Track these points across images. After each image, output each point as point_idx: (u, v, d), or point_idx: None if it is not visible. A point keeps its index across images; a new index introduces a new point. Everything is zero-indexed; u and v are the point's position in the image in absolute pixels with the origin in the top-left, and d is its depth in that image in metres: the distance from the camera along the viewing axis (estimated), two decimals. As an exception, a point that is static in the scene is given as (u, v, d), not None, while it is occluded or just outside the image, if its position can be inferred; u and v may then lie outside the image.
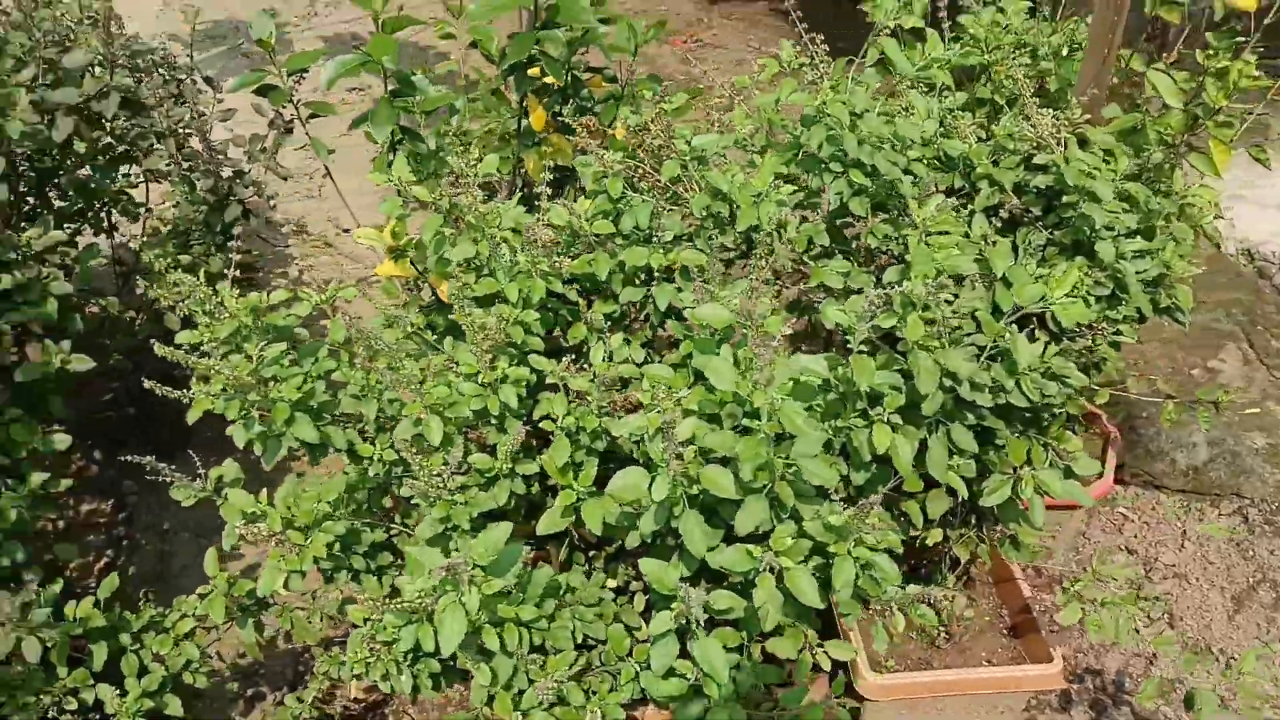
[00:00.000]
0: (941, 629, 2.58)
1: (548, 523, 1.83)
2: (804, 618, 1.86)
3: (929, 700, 2.48)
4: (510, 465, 1.81)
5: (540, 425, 1.82)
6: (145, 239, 2.76)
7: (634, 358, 2.00)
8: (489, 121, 2.55)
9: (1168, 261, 2.03)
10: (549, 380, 1.81)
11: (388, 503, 2.07)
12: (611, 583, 2.14)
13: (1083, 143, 2.06)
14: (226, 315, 1.64)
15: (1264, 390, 3.77)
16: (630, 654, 1.85)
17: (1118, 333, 2.05)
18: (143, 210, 2.72)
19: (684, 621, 1.71)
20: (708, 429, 1.62)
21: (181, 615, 2.00)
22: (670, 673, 1.75)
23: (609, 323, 2.01)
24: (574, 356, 1.96)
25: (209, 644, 2.12)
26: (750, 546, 1.60)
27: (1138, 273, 1.98)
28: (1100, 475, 2.95)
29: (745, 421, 1.58)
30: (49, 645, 1.80)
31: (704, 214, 1.92)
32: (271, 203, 2.53)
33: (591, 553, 2.28)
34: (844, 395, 1.74)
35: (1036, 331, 2.02)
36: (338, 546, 1.93)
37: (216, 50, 5.69)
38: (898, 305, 1.68)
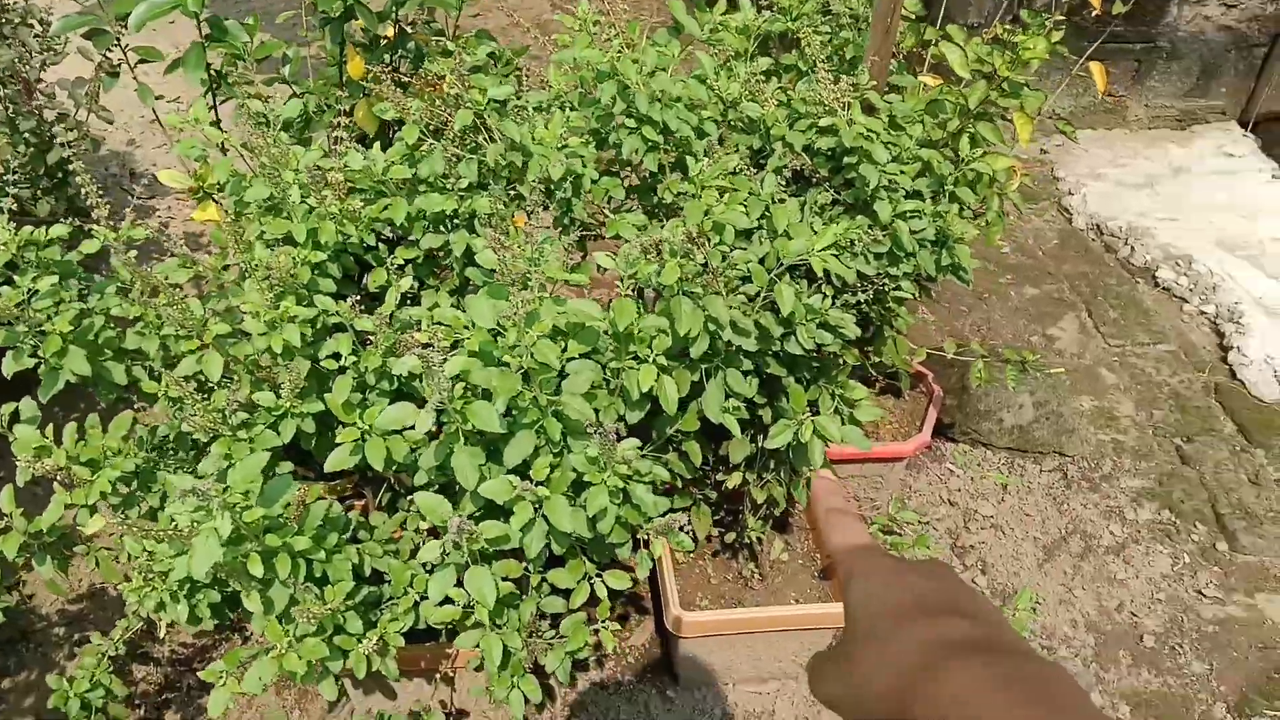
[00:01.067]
0: (755, 571, 2.70)
1: (334, 460, 1.88)
2: (600, 550, 1.95)
3: (737, 637, 2.60)
4: (296, 403, 1.86)
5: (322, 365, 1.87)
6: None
7: (440, 303, 2.06)
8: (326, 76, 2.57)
9: (946, 223, 2.15)
10: (335, 321, 1.86)
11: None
12: (424, 524, 2.21)
13: (870, 109, 2.16)
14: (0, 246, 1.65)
15: (1096, 357, 3.98)
16: (411, 587, 1.91)
17: (899, 288, 2.17)
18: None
19: (459, 553, 1.79)
20: (477, 365, 1.69)
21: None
22: (447, 601, 1.83)
23: (408, 267, 2.06)
24: (377, 302, 2.01)
25: (14, 582, 2.13)
26: (512, 477, 1.68)
27: (913, 232, 2.09)
28: (920, 430, 3.11)
29: (506, 358, 1.65)
30: None
31: (499, 163, 1.98)
32: (99, 147, 2.51)
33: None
34: (618, 337, 1.82)
35: (822, 286, 2.13)
36: (133, 484, 1.96)
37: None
38: (665, 253, 1.76)
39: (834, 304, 2.10)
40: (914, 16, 2.45)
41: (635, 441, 1.72)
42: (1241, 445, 3.57)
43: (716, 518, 2.73)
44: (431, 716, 2.22)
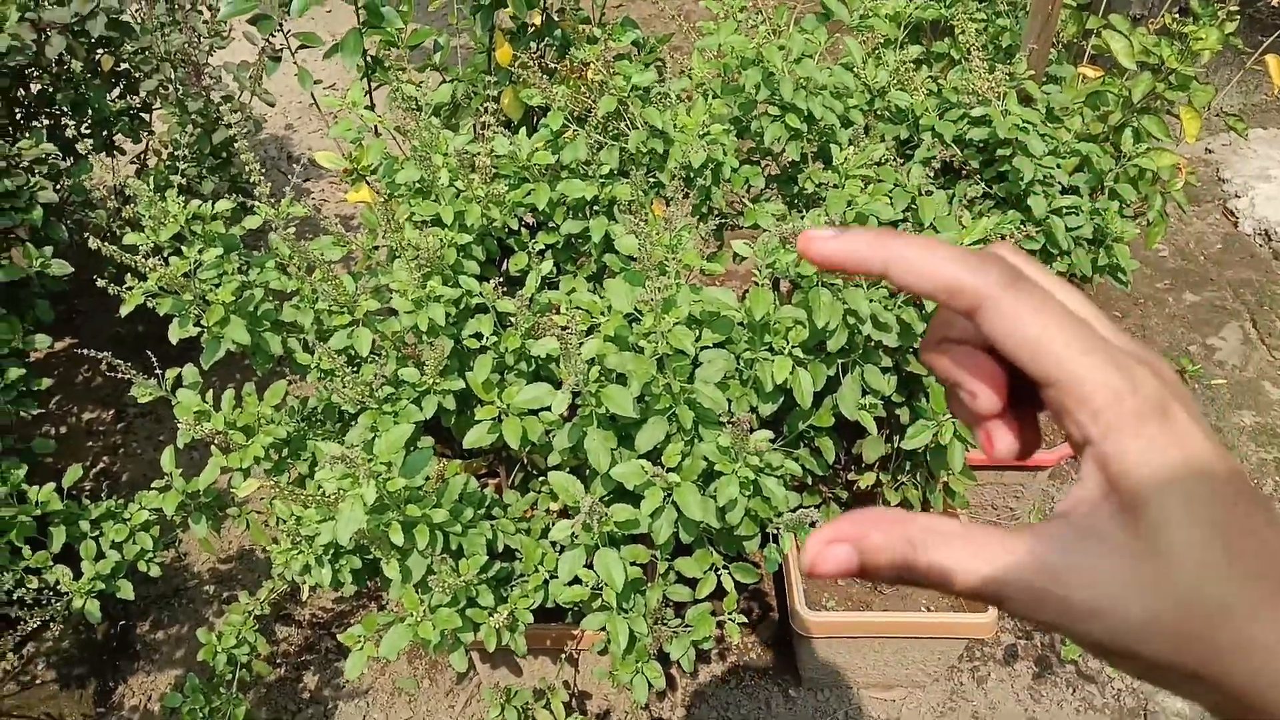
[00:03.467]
0: (884, 576, 2.63)
1: (473, 437, 1.93)
2: (728, 542, 1.94)
3: (864, 641, 2.55)
4: (438, 380, 1.91)
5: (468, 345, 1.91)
6: (141, 162, 2.90)
7: (578, 289, 2.09)
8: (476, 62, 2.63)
9: (1105, 221, 2.04)
10: (477, 302, 1.90)
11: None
12: (554, 505, 2.24)
13: (1026, 99, 2.07)
14: (170, 219, 1.75)
15: (1260, 370, 3.73)
16: (541, 565, 1.94)
17: (1050, 287, 2.07)
18: (145, 133, 2.86)
19: (589, 534, 1.81)
20: (613, 349, 1.70)
21: (138, 508, 2.14)
22: (575, 582, 1.85)
23: (549, 252, 2.09)
24: (518, 285, 2.05)
25: (171, 540, 2.26)
26: (643, 462, 1.68)
27: (1069, 229, 2.00)
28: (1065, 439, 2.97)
29: (642, 343, 1.66)
30: (9, 524, 1.96)
31: (640, 150, 1.98)
32: (260, 129, 2.64)
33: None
34: (754, 327, 1.80)
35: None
36: (284, 450, 2.06)
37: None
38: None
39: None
40: (1075, 4, 2.34)
41: (768, 433, 1.69)
42: None
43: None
44: (555, 695, 2.25)
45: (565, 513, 2.26)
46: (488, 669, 2.56)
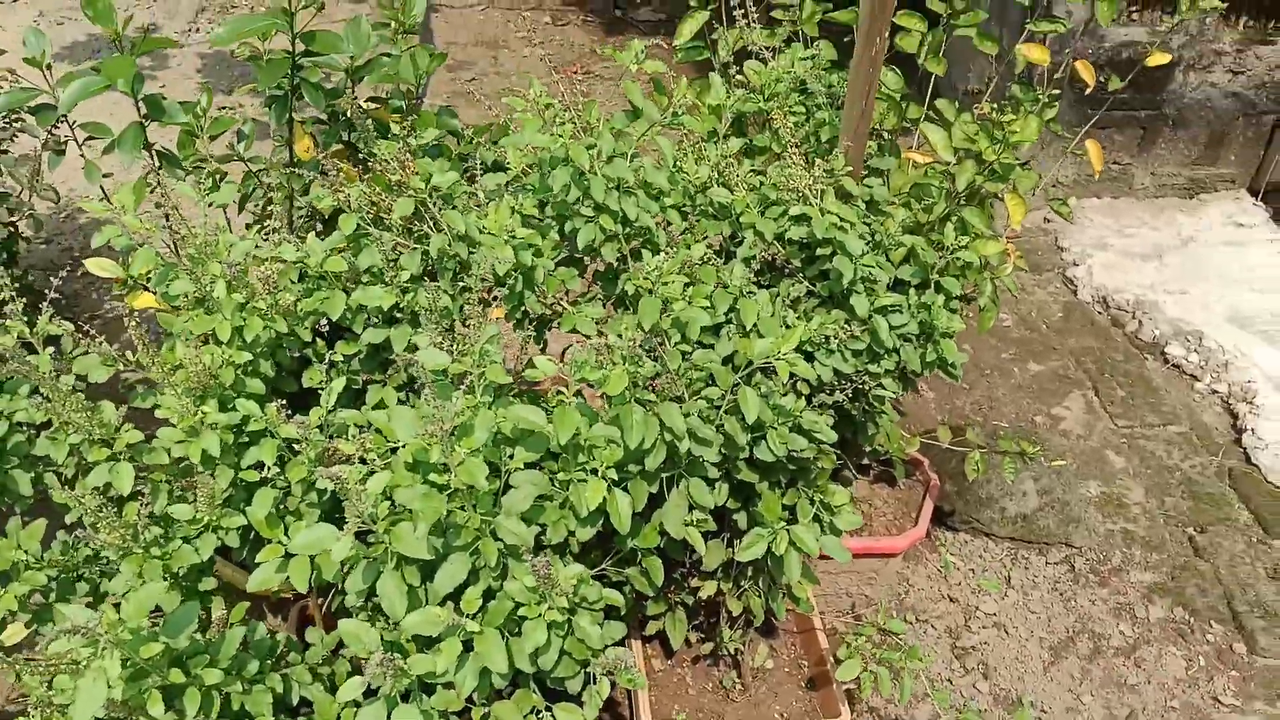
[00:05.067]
0: (737, 681, 2.51)
1: (258, 579, 1.72)
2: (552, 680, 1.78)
3: (715, 758, 2.40)
4: (216, 517, 1.70)
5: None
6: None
7: (387, 401, 1.92)
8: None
9: (932, 316, 1.99)
10: (255, 427, 1.71)
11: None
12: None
13: (845, 195, 2.03)
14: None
15: (1104, 439, 3.80)
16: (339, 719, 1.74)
17: (880, 386, 2.01)
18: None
19: (393, 681, 1.62)
20: (406, 480, 1.54)
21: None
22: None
23: (351, 362, 1.92)
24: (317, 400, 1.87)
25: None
26: (439, 610, 1.51)
27: (893, 327, 1.94)
28: (915, 523, 2.92)
29: (434, 476, 1.50)
30: None
31: (445, 254, 1.84)
32: (41, 227, 2.39)
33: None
34: (566, 448, 1.66)
35: (799, 385, 1.97)
36: (51, 596, 1.81)
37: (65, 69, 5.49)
38: (612, 357, 1.61)
39: (810, 403, 1.94)
40: (896, 94, 2.32)
41: (579, 569, 1.55)
42: (1259, 536, 3.37)
43: (696, 622, 2.54)
44: None
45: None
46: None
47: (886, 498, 3.04)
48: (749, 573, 2.26)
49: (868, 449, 2.55)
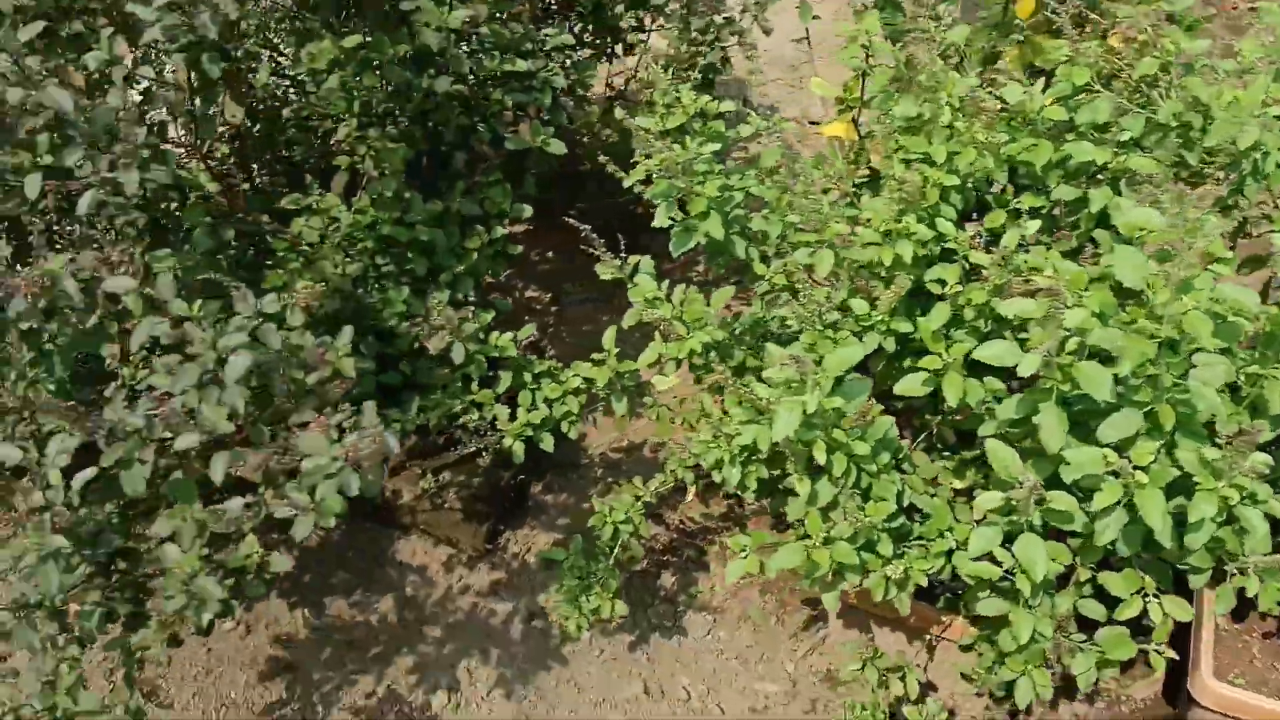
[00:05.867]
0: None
1: (906, 384, 1.87)
2: (1159, 571, 1.75)
3: (1271, 737, 2.20)
4: (886, 319, 1.86)
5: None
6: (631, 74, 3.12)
7: (1054, 261, 1.95)
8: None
9: None
10: (946, 248, 1.82)
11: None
12: (957, 483, 2.13)
13: None
14: (680, 109, 1.84)
15: None
16: (949, 532, 1.85)
17: None
18: (639, 45, 3.06)
19: (1011, 516, 1.69)
20: (1097, 324, 1.55)
21: (573, 374, 2.32)
22: (986, 558, 1.74)
23: (1032, 218, 1.96)
24: (987, 240, 1.95)
25: (591, 410, 2.42)
26: (1107, 451, 1.53)
27: None
28: None
29: (1143, 323, 1.49)
30: (471, 356, 2.20)
31: (1170, 123, 1.78)
32: (750, 54, 2.72)
33: (947, 453, 2.26)
34: (1270, 338, 1.57)
35: None
36: (713, 353, 2.12)
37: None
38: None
39: None
40: None
41: (1265, 458, 1.47)
42: None
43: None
44: (911, 672, 2.16)
45: (965, 494, 2.15)
46: (839, 626, 2.52)
47: None
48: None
49: None
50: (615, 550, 2.33)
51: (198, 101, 1.75)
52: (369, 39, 2.26)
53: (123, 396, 1.49)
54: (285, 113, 2.36)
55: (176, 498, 1.58)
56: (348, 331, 1.75)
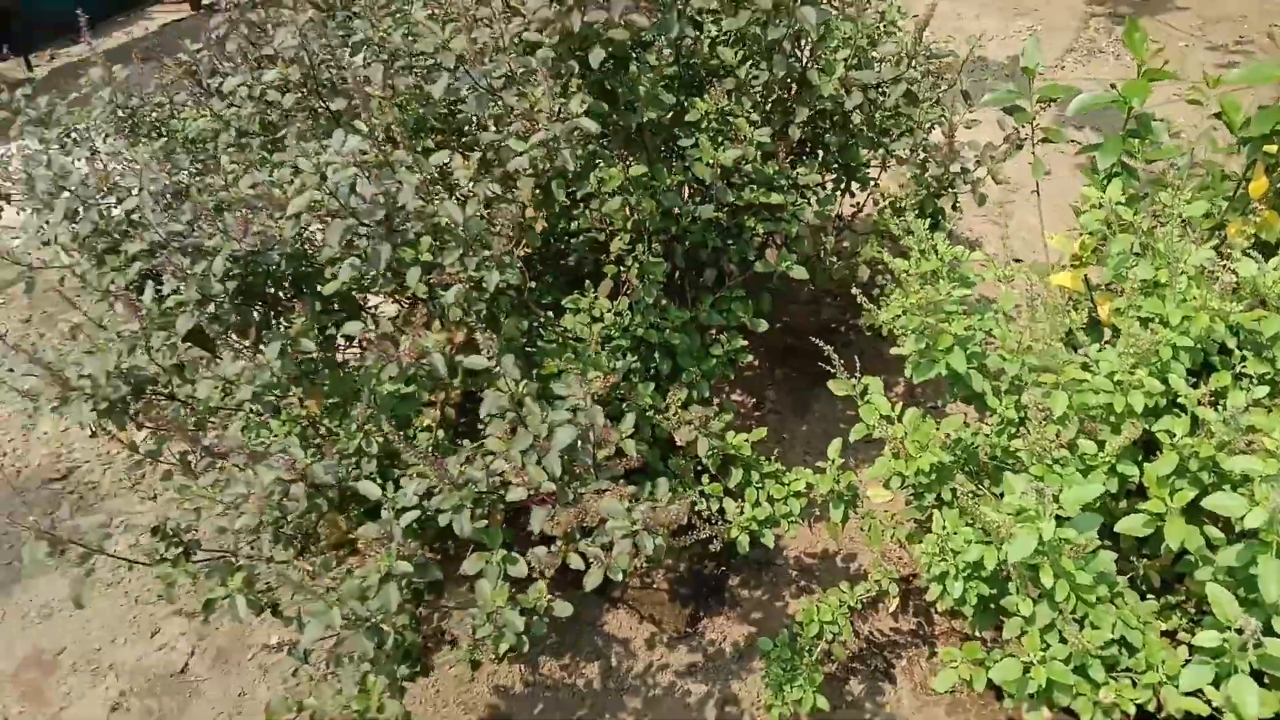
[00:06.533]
0: None
1: (1128, 525, 2.02)
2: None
3: None
4: (1113, 461, 2.03)
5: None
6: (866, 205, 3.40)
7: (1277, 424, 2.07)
8: (1202, 191, 2.68)
9: None
10: (1180, 400, 1.99)
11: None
12: (1162, 625, 2.23)
13: None
14: (934, 255, 2.09)
15: None
16: (1160, 666, 1.96)
17: None
18: (873, 183, 3.34)
19: (1221, 658, 1.80)
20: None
21: (791, 481, 2.56)
22: (1195, 694, 1.86)
23: (1259, 384, 2.10)
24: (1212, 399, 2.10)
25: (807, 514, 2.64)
26: (1331, 609, 1.65)
27: None
28: None
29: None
30: (712, 450, 2.47)
31: None
32: (984, 201, 2.97)
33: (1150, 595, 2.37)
34: None
35: None
36: (934, 473, 2.32)
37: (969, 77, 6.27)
38: None
39: None
40: None
41: None
42: None
43: None
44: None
45: (1171, 635, 2.24)
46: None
47: None
48: None
49: None
50: (819, 648, 2.51)
51: (528, 212, 2.13)
52: (650, 169, 2.63)
53: (466, 453, 1.82)
54: (573, 225, 2.74)
55: (487, 542, 1.90)
56: (630, 418, 2.05)
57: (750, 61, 2.79)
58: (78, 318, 4.42)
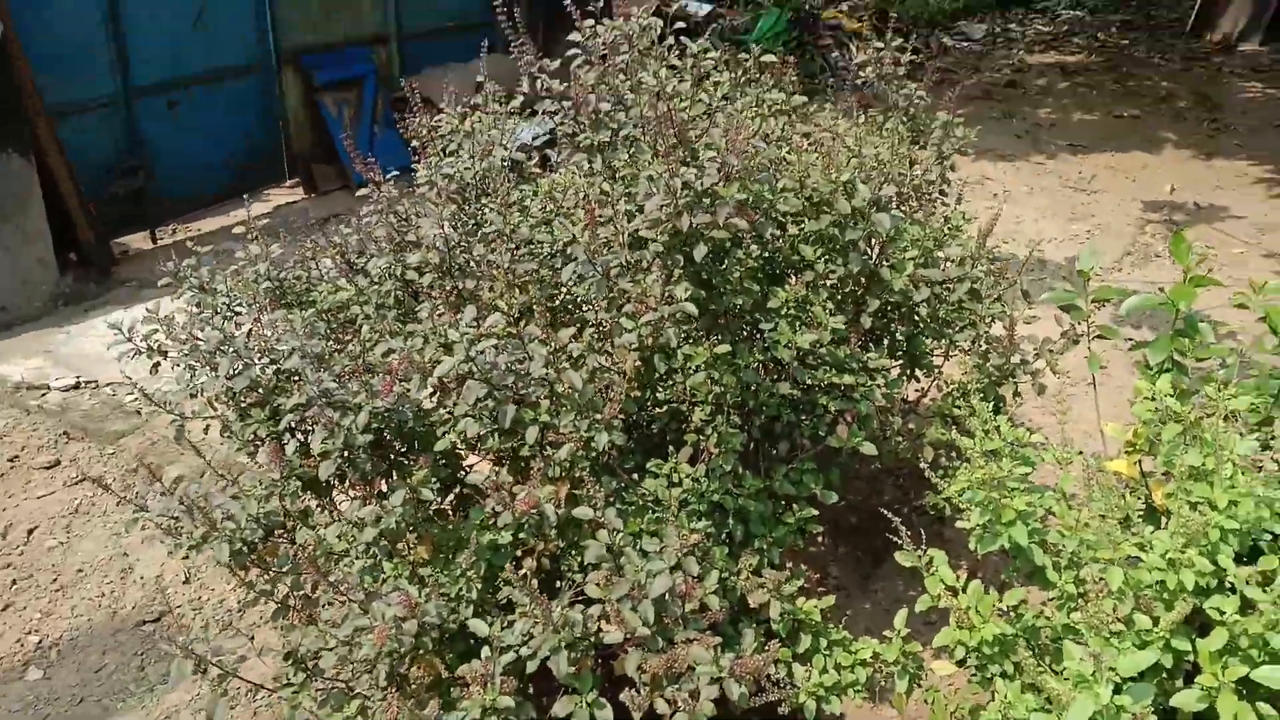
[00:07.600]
0: None
1: (1182, 699, 2.12)
2: None
3: None
4: (1167, 635, 2.15)
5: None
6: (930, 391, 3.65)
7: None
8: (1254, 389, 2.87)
9: None
10: (1226, 581, 2.13)
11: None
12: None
13: None
14: (998, 435, 2.30)
15: None
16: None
17: None
18: (937, 370, 3.59)
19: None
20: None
21: (857, 649, 2.68)
22: None
23: None
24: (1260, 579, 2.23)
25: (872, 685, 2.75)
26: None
27: None
28: None
29: None
30: (783, 615, 2.62)
31: None
32: (1039, 391, 3.20)
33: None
34: None
35: None
36: (998, 644, 2.45)
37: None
38: None
39: None
40: None
41: None
42: None
43: None
44: None
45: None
46: None
47: None
48: None
49: None
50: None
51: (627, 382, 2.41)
52: (733, 348, 2.91)
53: (567, 598, 2.03)
54: (659, 395, 3.01)
55: (578, 686, 2.07)
56: (714, 575, 2.25)
57: (827, 257, 3.11)
58: (176, 471, 4.78)
